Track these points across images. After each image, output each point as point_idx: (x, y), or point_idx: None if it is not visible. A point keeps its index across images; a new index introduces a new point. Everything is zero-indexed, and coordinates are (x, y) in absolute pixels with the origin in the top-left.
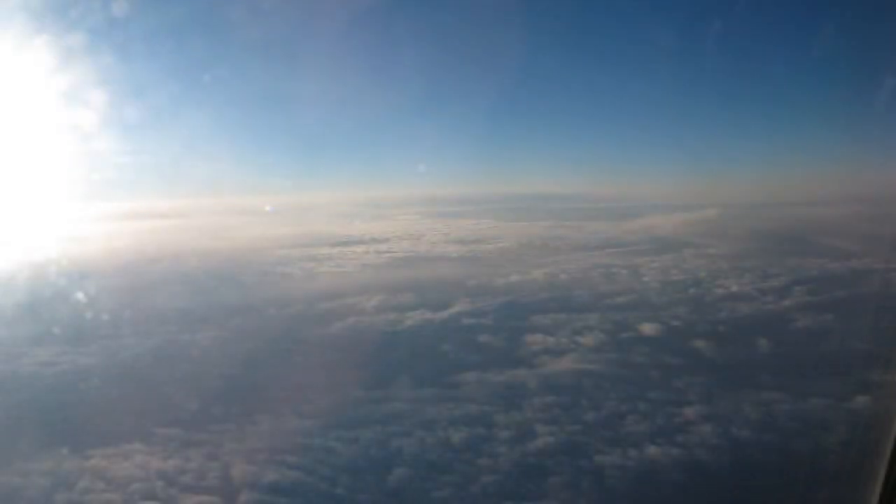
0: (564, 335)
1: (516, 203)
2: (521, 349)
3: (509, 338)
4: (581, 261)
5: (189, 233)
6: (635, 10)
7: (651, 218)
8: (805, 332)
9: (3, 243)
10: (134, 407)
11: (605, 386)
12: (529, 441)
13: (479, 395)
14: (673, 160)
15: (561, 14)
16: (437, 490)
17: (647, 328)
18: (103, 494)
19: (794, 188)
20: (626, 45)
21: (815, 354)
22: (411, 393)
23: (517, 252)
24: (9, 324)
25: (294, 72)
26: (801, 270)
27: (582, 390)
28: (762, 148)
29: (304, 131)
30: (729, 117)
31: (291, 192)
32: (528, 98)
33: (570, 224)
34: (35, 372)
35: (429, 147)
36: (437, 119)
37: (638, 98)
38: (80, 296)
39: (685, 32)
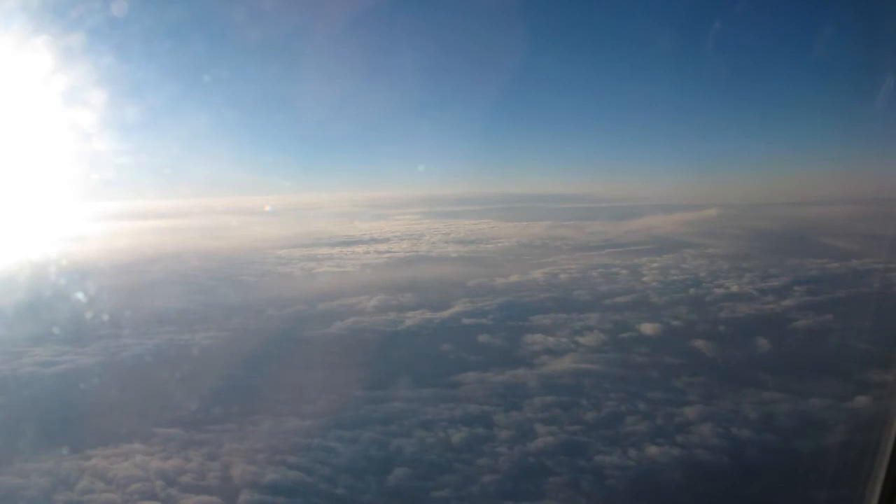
0: (564, 335)
1: (516, 203)
2: (521, 349)
3: (509, 338)
4: (581, 261)
5: (189, 233)
6: (635, 9)
7: (651, 218)
8: (805, 332)
9: (3, 243)
10: (134, 407)
11: (605, 386)
12: (529, 441)
13: (479, 395)
14: (673, 160)
15: (561, 14)
16: (436, 490)
17: (647, 328)
18: (103, 494)
19: (794, 188)
20: (627, 45)
21: (815, 354)
22: (411, 393)
23: (517, 252)
24: (9, 324)
25: (294, 72)
26: (801, 270)
27: (582, 390)
28: (762, 148)
29: (304, 131)
30: (729, 117)
31: (291, 192)
32: (528, 98)
33: (570, 224)
34: (35, 372)
35: (429, 147)
36: (437, 119)
37: (638, 98)
38: (80, 296)
39: (685, 32)
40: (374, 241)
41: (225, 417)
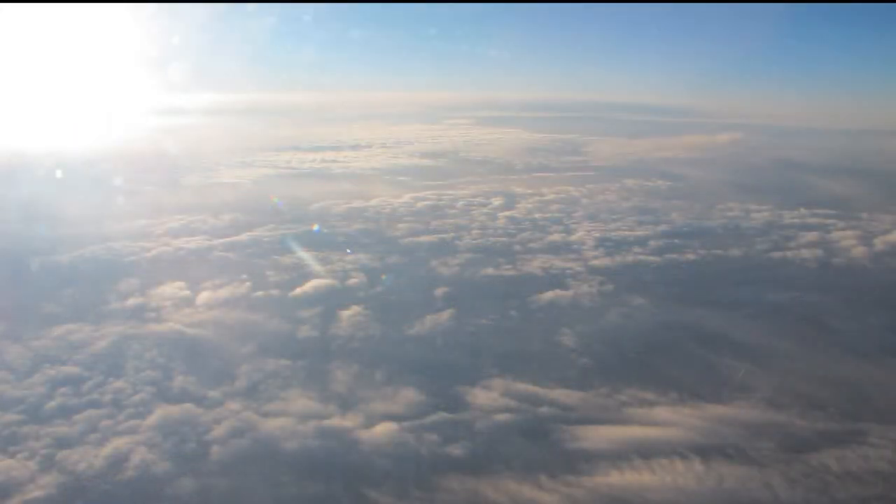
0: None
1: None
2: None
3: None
4: (493, 185)
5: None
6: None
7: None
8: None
9: None
10: None
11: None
12: None
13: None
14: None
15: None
16: None
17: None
18: None
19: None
20: None
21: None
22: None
23: (450, 170)
24: None
25: None
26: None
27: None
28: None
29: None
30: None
31: (325, 90)
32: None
33: (571, 138)
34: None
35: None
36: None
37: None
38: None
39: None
40: (352, 148)
41: None
